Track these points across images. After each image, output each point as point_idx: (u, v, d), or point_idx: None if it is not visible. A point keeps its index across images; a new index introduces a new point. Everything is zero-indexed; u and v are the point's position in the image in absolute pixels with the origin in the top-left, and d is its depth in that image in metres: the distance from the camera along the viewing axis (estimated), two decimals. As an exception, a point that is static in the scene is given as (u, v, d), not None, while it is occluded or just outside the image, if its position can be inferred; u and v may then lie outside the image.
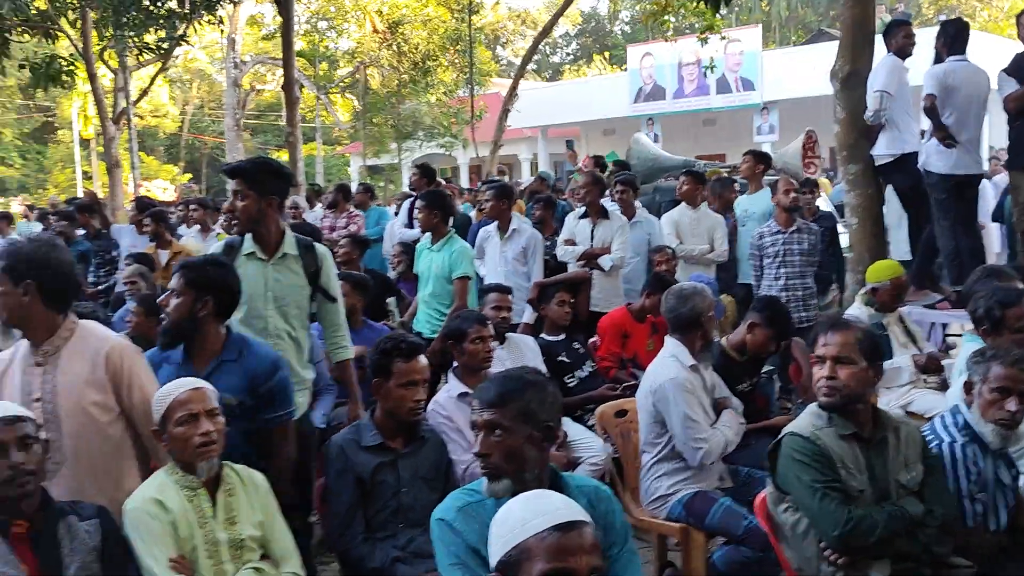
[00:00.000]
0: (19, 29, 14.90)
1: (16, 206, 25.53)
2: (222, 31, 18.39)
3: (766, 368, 5.00)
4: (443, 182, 10.44)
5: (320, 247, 3.97)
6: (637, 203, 7.23)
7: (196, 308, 3.17)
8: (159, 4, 13.05)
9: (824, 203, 8.91)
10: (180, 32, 14.40)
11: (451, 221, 5.86)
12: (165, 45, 15.83)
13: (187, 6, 12.87)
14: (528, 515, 1.75)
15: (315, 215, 11.06)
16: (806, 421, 2.95)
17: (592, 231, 6.51)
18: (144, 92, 20.05)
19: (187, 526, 2.68)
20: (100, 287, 8.85)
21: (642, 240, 6.82)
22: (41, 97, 30.74)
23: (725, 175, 8.94)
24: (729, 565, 3.68)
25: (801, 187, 7.23)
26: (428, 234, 5.77)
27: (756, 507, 3.21)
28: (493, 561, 1.76)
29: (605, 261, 6.33)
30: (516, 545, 1.71)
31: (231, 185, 3.83)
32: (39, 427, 2.58)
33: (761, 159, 7.81)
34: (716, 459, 3.83)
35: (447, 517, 2.24)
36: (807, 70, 17.59)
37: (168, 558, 2.60)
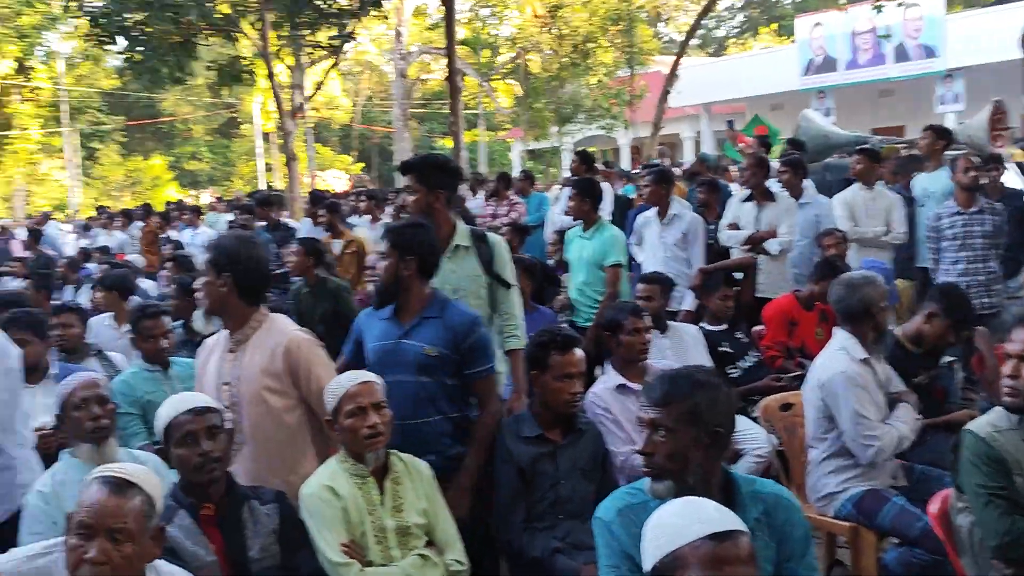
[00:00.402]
0: (205, 33, 16.02)
1: (206, 197, 27.45)
2: (389, 24, 18.99)
3: (947, 357, 4.70)
4: (602, 167, 10.38)
5: (493, 236, 4.08)
6: (806, 182, 6.94)
7: (400, 268, 3.33)
8: (329, 3, 13.62)
9: (1016, 178, 8.23)
10: (350, 29, 14.99)
11: (602, 208, 5.85)
12: (336, 42, 16.58)
13: (356, 3, 13.37)
14: (682, 522, 1.73)
15: (477, 203, 11.28)
16: (987, 420, 2.77)
17: (757, 214, 6.31)
18: (318, 87, 21.05)
19: (357, 512, 2.82)
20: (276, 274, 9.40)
21: (810, 222, 6.54)
22: (226, 95, 32.77)
23: (907, 152, 8.43)
24: (902, 567, 3.51)
25: (985, 163, 6.71)
26: (579, 221, 5.79)
27: (929, 509, 3.04)
28: (646, 566, 1.76)
29: (772, 245, 6.13)
30: (670, 552, 1.70)
31: (404, 180, 4.01)
32: (224, 418, 2.79)
33: (942, 134, 7.30)
34: (889, 456, 3.65)
35: (606, 518, 2.23)
36: (996, 34, 16.26)
37: (340, 542, 2.75)
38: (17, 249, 14.31)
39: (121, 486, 2.11)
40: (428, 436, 3.31)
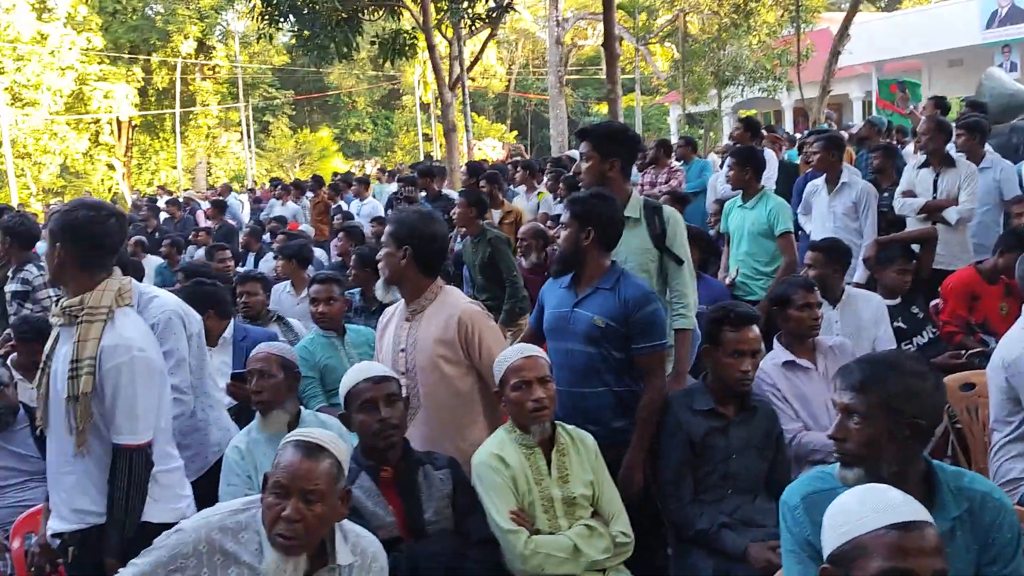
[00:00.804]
0: (369, 8, 16.54)
1: (370, 168, 28.45)
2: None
3: None
4: (766, 132, 10.01)
5: (668, 209, 3.99)
6: (988, 147, 6.48)
7: (580, 238, 3.39)
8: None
9: None
10: (507, 1, 15.07)
11: (765, 176, 5.68)
12: (494, 13, 16.74)
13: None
14: (864, 511, 1.69)
15: (633, 172, 11.14)
16: None
17: (935, 181, 5.95)
18: (476, 58, 21.32)
19: (525, 482, 2.91)
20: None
21: (991, 189, 6.11)
22: (388, 68, 33.73)
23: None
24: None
25: None
26: (739, 192, 5.65)
27: None
28: (825, 552, 1.73)
29: (950, 214, 5.78)
30: (850, 540, 1.67)
31: (580, 148, 4.00)
32: (401, 386, 2.93)
33: None
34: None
35: (791, 502, 2.16)
36: None
37: (509, 510, 2.85)
38: (202, 219, 15.33)
39: (313, 450, 2.26)
40: (592, 407, 3.36)
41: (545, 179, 10.40)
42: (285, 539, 2.20)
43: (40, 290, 5.68)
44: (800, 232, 6.19)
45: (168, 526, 2.60)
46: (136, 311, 2.92)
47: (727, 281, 5.62)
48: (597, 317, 3.33)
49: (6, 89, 29.83)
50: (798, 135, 14.41)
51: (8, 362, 4.53)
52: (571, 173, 9.10)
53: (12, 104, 30.90)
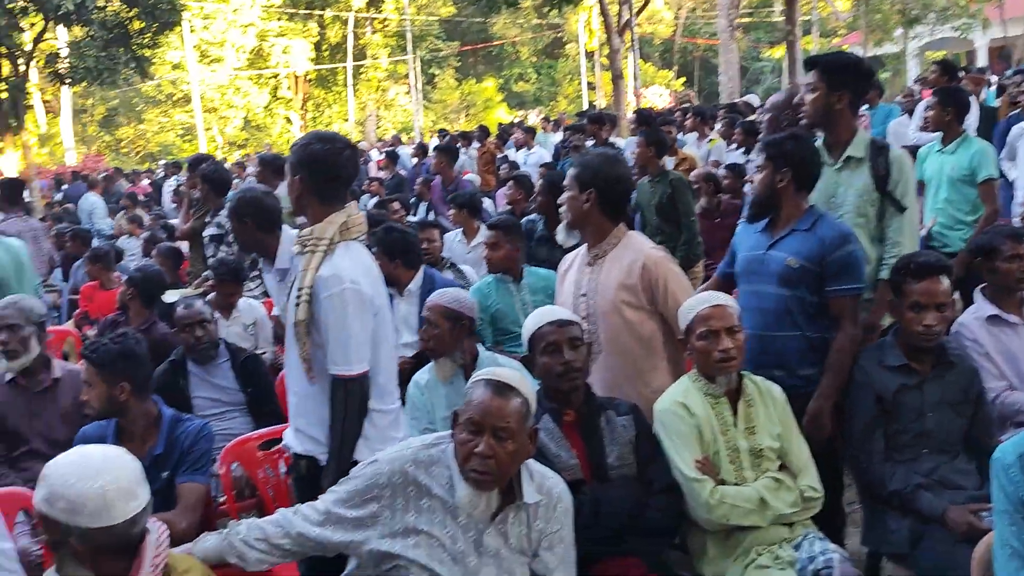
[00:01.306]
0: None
1: (533, 118, 28.48)
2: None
3: None
4: (965, 74, 9.29)
5: (896, 151, 3.68)
6: None
7: (776, 180, 3.29)
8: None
9: None
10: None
11: (966, 121, 5.25)
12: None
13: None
14: None
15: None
16: None
17: None
18: (645, 2, 20.82)
19: (710, 431, 2.85)
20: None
21: None
22: (553, 16, 33.49)
23: None
24: None
25: None
26: (938, 134, 5.26)
27: None
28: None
29: None
30: None
31: (808, 78, 3.77)
32: (584, 331, 2.92)
33: None
34: None
35: (1005, 460, 2.04)
36: None
37: (694, 459, 2.80)
38: (373, 170, 15.84)
39: (503, 389, 2.29)
40: (782, 351, 3.24)
41: (717, 126, 10.08)
42: (478, 474, 2.24)
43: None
44: (1003, 179, 5.72)
45: None
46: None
47: (923, 232, 5.28)
48: (791, 258, 3.21)
49: (195, 47, 31.66)
50: (993, 77, 13.29)
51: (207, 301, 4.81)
52: (747, 119, 8.77)
53: (200, 61, 32.82)
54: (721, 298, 2.96)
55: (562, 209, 3.32)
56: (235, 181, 9.21)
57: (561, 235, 3.36)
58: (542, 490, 2.40)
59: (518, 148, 12.70)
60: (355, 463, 2.69)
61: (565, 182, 3.33)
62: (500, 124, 19.78)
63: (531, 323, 2.92)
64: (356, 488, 2.37)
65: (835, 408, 3.23)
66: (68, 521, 1.98)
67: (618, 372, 3.17)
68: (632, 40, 18.23)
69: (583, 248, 3.36)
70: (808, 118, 3.70)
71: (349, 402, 2.75)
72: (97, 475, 2.00)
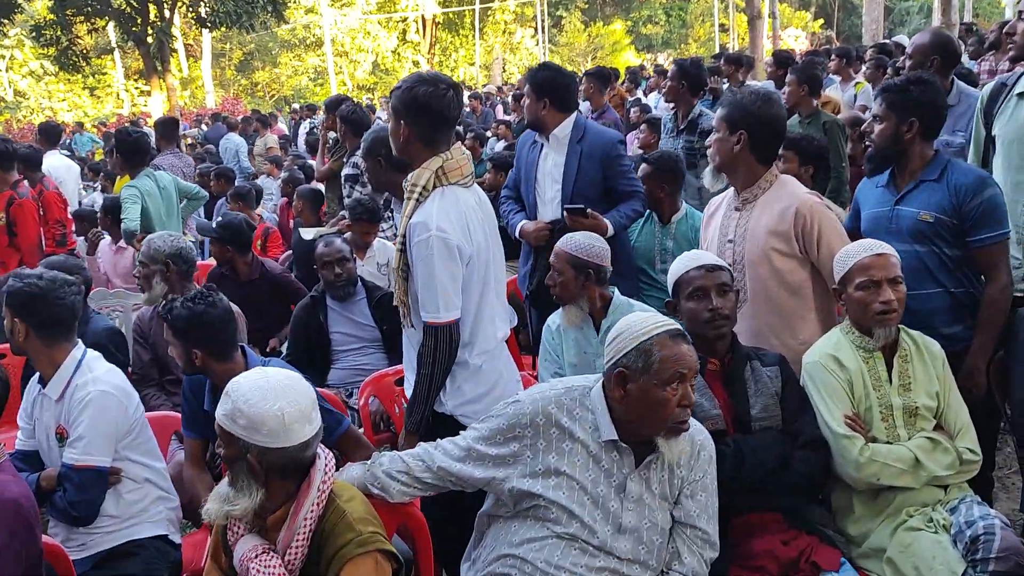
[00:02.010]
0: None
1: (662, 61, 27.79)
2: None
3: None
4: None
5: None
6: None
7: (901, 131, 3.09)
8: None
9: None
10: None
11: None
12: None
13: None
14: None
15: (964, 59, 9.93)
16: None
17: None
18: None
19: (862, 386, 2.72)
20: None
21: None
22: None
23: None
24: None
25: None
26: None
27: None
28: None
29: None
30: None
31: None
32: (733, 277, 2.82)
33: None
34: None
35: None
36: None
37: (843, 414, 2.68)
38: (500, 113, 15.83)
39: (682, 336, 2.28)
40: (923, 310, 3.04)
41: (864, 68, 9.54)
42: (681, 425, 2.26)
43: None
44: None
45: (446, 423, 2.72)
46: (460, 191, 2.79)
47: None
48: (924, 212, 3.02)
49: (327, -10, 32.24)
50: None
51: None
52: (897, 61, 8.25)
53: (332, 5, 33.38)
54: (883, 246, 2.79)
55: (710, 151, 3.20)
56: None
57: (708, 179, 3.24)
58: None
59: (649, 92, 12.40)
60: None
61: (713, 123, 3.20)
62: (628, 67, 19.38)
63: (678, 267, 2.84)
64: (498, 427, 2.38)
65: (991, 366, 3.04)
66: (247, 438, 2.07)
67: (765, 321, 3.07)
68: (770, -22, 17.41)
69: (730, 191, 3.23)
70: (1017, 49, 3.42)
71: (437, 349, 2.69)
72: (276, 397, 2.08)
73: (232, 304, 3.95)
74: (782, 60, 9.59)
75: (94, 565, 2.86)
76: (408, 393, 2.91)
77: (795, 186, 3.13)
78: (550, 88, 4.06)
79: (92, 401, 2.84)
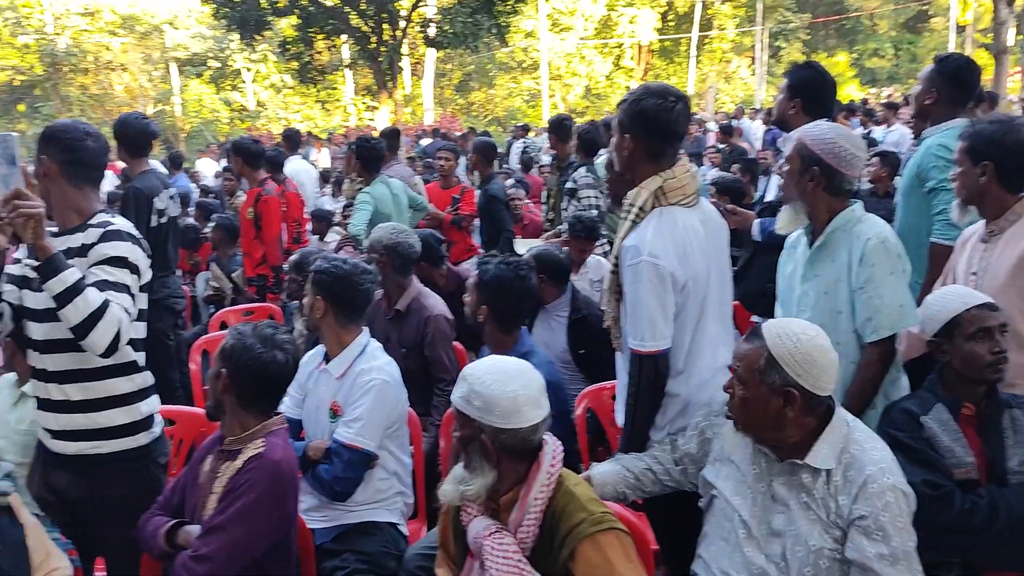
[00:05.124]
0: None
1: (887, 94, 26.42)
2: None
3: None
4: None
5: None
6: None
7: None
8: None
9: None
10: None
11: None
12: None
13: None
14: None
15: None
16: None
17: None
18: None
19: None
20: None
21: None
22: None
23: None
24: None
25: None
26: None
27: None
28: None
29: None
30: None
31: None
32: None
33: None
34: None
35: None
36: None
37: None
38: (711, 140, 15.59)
39: (751, 332, 2.30)
40: None
41: None
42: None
43: (583, 189, 6.19)
44: None
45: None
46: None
47: None
48: None
49: (547, 15, 33.03)
50: None
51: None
52: None
53: (551, 29, 34.17)
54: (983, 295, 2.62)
55: (954, 184, 3.00)
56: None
57: (955, 213, 3.03)
58: (844, 461, 2.16)
59: (877, 125, 11.83)
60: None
61: (955, 156, 3.01)
62: (851, 101, 18.59)
63: (948, 305, 2.59)
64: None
65: None
66: (481, 419, 2.16)
67: (1012, 363, 2.75)
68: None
69: (981, 223, 3.02)
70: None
71: (641, 379, 2.60)
72: (510, 380, 2.17)
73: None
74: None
75: (333, 538, 3.05)
76: (618, 419, 2.86)
77: None
78: (805, 88, 3.80)
79: (374, 388, 3.04)
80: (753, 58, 35.77)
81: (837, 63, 37.94)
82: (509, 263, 3.33)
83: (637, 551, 2.21)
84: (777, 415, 2.18)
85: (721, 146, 13.21)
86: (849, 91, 33.61)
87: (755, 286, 3.87)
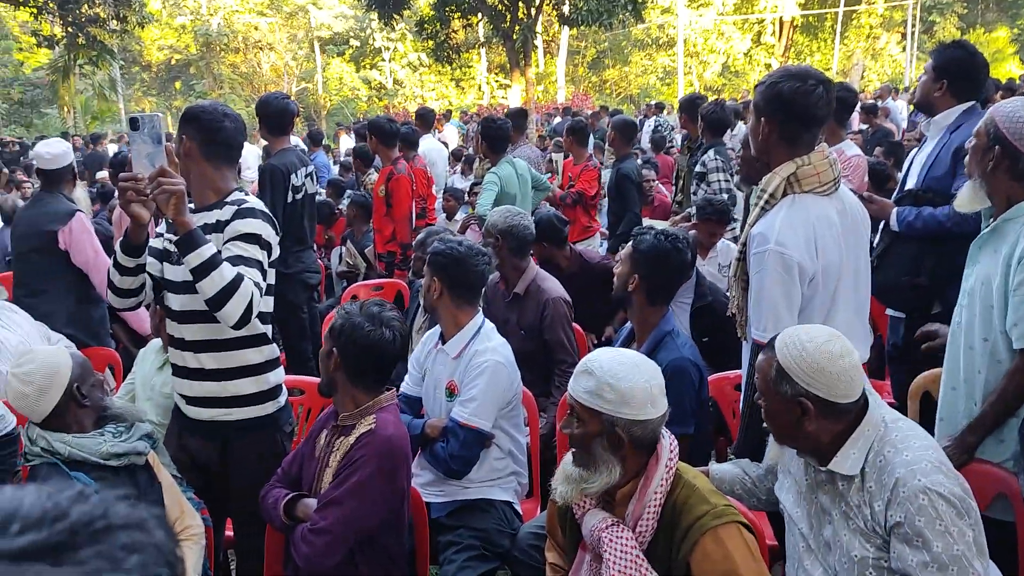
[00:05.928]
0: None
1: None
2: None
3: None
4: None
5: None
6: None
7: None
8: None
9: None
10: None
11: None
12: None
13: None
14: None
15: None
16: None
17: None
18: None
19: None
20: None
21: None
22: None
23: None
24: None
25: None
26: None
27: None
28: None
29: None
30: None
31: None
32: None
33: None
34: None
35: None
36: None
37: None
38: (855, 123, 14.92)
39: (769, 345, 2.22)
40: None
41: None
42: None
43: (712, 172, 6.05)
44: None
45: None
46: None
47: None
48: None
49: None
50: None
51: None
52: None
53: (689, 5, 33.42)
54: None
55: None
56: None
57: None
58: (877, 465, 2.02)
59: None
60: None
61: None
62: (1010, 79, 17.40)
63: None
64: None
65: None
66: (614, 412, 2.12)
67: None
68: None
69: None
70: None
71: None
72: (641, 371, 2.14)
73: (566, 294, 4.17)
74: None
75: (448, 513, 3.12)
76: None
77: None
78: (953, 69, 3.56)
79: (489, 368, 3.11)
80: (903, 33, 33.90)
81: (996, 38, 35.53)
82: (667, 235, 3.28)
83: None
84: (795, 425, 2.10)
85: (864, 127, 12.66)
86: (1009, 68, 31.45)
87: (891, 278, 3.68)
